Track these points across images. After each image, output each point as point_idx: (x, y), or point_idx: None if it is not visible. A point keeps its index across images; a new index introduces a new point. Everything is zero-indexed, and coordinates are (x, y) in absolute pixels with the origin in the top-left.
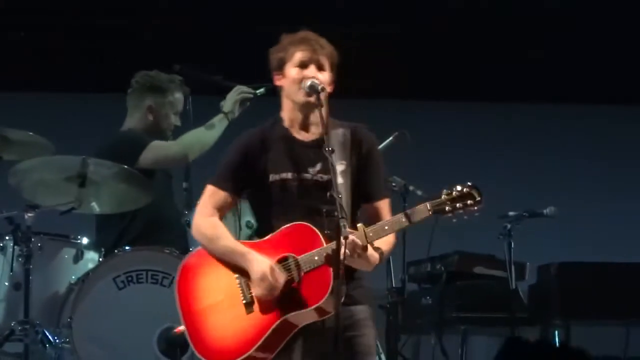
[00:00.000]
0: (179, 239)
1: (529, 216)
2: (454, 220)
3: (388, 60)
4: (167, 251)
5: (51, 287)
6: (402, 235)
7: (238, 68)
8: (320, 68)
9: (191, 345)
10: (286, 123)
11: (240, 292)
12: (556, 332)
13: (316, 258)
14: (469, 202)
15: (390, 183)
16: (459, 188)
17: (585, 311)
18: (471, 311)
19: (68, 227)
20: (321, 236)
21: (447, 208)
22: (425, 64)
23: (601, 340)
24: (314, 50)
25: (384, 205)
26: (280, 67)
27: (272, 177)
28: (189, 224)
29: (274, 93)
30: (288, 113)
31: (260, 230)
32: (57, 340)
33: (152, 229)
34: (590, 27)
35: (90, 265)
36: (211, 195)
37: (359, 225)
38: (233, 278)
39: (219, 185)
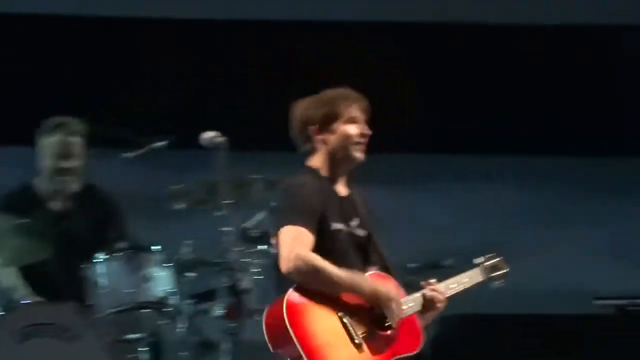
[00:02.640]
0: (74, 291)
1: (430, 268)
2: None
3: None
4: (67, 305)
5: None
6: None
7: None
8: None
9: None
10: (326, 175)
11: (349, 331)
12: None
13: (411, 305)
14: (505, 271)
15: None
16: (495, 258)
17: None
18: None
19: None
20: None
21: (497, 275)
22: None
23: None
24: (364, 107)
25: None
26: (329, 122)
27: (334, 226)
28: (87, 277)
29: (175, 146)
30: (330, 166)
31: None
32: None
33: (38, 282)
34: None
35: None
36: (302, 234)
37: (432, 281)
38: (337, 317)
39: (306, 226)
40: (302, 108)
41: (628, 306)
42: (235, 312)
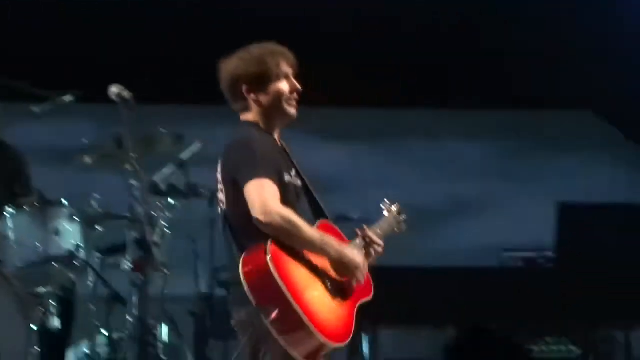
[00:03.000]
0: None
1: (337, 220)
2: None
3: None
4: None
5: None
6: (210, 240)
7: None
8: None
9: (310, 324)
10: (264, 129)
11: (322, 279)
12: (365, 338)
13: (356, 251)
14: (404, 218)
15: (197, 189)
16: (397, 206)
17: (393, 316)
18: None
19: None
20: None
21: (402, 223)
22: None
23: (410, 346)
24: (292, 62)
25: None
26: (260, 81)
27: (286, 177)
28: None
29: (81, 100)
30: (266, 122)
31: None
32: None
33: None
34: None
35: None
36: (272, 187)
37: (365, 227)
38: (310, 265)
39: (271, 178)
40: (231, 67)
41: (537, 259)
42: (143, 265)
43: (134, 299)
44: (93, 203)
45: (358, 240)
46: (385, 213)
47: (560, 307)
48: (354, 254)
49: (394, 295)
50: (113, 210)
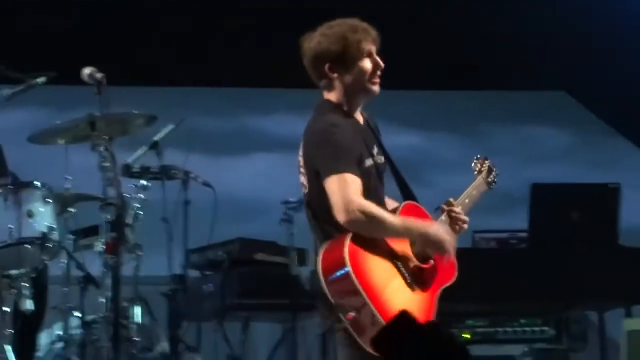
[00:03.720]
0: None
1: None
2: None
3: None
4: None
5: None
6: (184, 221)
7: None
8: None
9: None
10: (347, 109)
11: (401, 272)
12: None
13: (440, 227)
14: (497, 171)
15: (170, 171)
16: (485, 162)
17: None
18: (253, 297)
19: None
20: (427, 212)
21: (493, 178)
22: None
23: None
24: (374, 38)
25: None
26: (343, 60)
27: (367, 163)
28: None
29: (53, 82)
30: (348, 100)
31: None
32: None
33: None
34: None
35: None
36: (353, 182)
37: (451, 199)
38: (389, 259)
39: (351, 172)
40: (313, 44)
41: (509, 239)
42: (116, 247)
43: (107, 280)
44: (66, 185)
45: (443, 217)
46: (476, 173)
47: (534, 288)
48: (437, 229)
49: None
50: (86, 192)
